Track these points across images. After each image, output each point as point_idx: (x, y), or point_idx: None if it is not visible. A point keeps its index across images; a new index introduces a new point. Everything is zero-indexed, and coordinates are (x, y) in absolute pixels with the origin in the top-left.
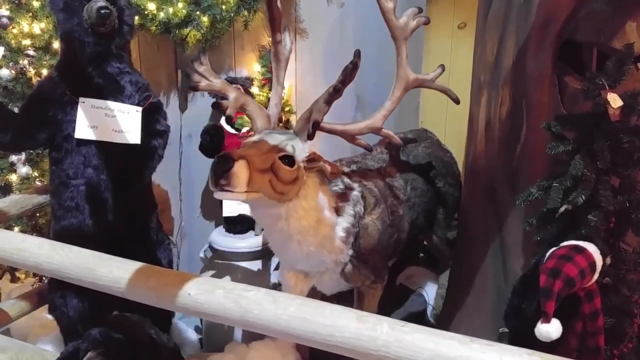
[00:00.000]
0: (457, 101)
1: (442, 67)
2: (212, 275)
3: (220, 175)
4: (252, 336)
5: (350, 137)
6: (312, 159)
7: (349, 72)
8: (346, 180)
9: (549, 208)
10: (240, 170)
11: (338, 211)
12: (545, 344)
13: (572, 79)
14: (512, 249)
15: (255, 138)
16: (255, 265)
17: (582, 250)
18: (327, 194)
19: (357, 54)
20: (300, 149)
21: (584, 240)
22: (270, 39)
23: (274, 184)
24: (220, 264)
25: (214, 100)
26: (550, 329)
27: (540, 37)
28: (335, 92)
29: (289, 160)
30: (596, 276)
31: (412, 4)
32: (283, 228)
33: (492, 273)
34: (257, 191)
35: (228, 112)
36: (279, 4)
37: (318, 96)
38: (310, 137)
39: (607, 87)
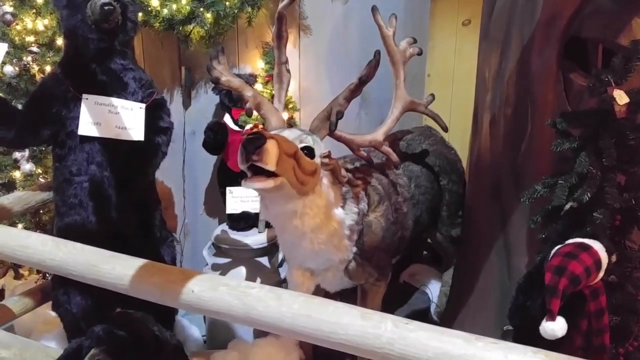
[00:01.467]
0: (445, 129)
1: (432, 96)
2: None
3: (252, 151)
4: (262, 332)
5: (355, 147)
6: (328, 156)
7: (372, 68)
8: (350, 177)
9: (554, 205)
10: (272, 147)
11: (343, 209)
12: (550, 342)
13: (577, 76)
14: (517, 247)
15: (274, 132)
16: (259, 262)
17: (587, 247)
18: (338, 193)
19: (378, 53)
20: (319, 144)
21: (590, 237)
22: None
23: (296, 171)
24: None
25: (219, 97)
26: (555, 327)
27: (546, 34)
28: (357, 88)
29: (310, 151)
30: (601, 274)
31: (417, 1)
32: (297, 225)
33: (496, 271)
34: (282, 175)
35: (248, 105)
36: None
37: (322, 93)
38: (333, 126)
39: (613, 84)
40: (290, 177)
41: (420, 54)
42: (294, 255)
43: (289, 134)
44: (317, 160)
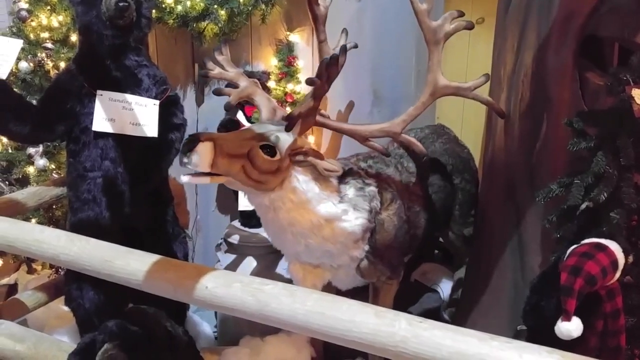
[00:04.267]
0: (502, 115)
1: (487, 76)
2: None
3: (185, 152)
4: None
5: (361, 139)
6: (300, 152)
7: (324, 66)
8: (364, 175)
9: (569, 205)
10: (203, 150)
11: (356, 207)
12: (565, 342)
13: (593, 75)
14: (531, 246)
15: (251, 125)
16: (271, 258)
17: (604, 248)
18: (327, 188)
19: (343, 49)
20: (285, 141)
21: (606, 238)
22: (288, 33)
23: (248, 170)
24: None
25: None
26: (570, 327)
27: (562, 32)
28: (314, 87)
29: (270, 150)
30: (618, 275)
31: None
32: (273, 218)
33: (509, 270)
34: (223, 174)
35: (231, 99)
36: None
37: (334, 90)
38: (287, 128)
39: (631, 83)
40: (238, 175)
41: (470, 28)
42: (283, 248)
43: (258, 128)
44: (278, 157)
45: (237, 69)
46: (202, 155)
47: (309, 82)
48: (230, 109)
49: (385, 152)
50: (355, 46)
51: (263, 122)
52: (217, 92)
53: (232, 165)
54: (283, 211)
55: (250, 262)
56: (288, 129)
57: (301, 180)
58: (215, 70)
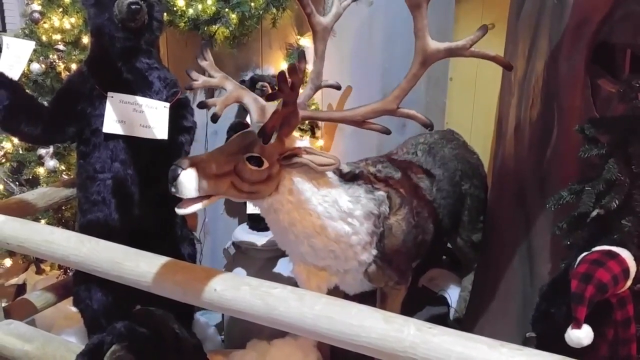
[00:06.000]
0: (509, 67)
1: (484, 28)
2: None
3: (170, 183)
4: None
5: (357, 123)
6: (290, 155)
7: (281, 77)
8: (373, 180)
9: (580, 212)
10: (186, 178)
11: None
12: (575, 350)
13: (605, 82)
14: (540, 253)
15: (236, 135)
16: (279, 262)
17: (615, 255)
18: (324, 185)
19: (301, 54)
20: (272, 148)
21: (617, 245)
22: (298, 37)
23: (238, 185)
24: (244, 260)
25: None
26: (581, 335)
27: (575, 38)
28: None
29: (257, 160)
30: (629, 283)
31: (441, 4)
32: (275, 220)
33: (518, 277)
34: (213, 194)
35: (216, 110)
36: None
37: (345, 95)
38: (264, 141)
39: None
40: (229, 192)
41: None
42: (287, 248)
43: (242, 139)
44: (267, 165)
45: (221, 73)
46: (186, 182)
47: (269, 98)
48: (217, 120)
49: (385, 131)
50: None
51: (253, 124)
52: (202, 105)
53: (219, 185)
54: (283, 212)
55: (257, 265)
56: (265, 142)
57: (296, 182)
58: (200, 80)
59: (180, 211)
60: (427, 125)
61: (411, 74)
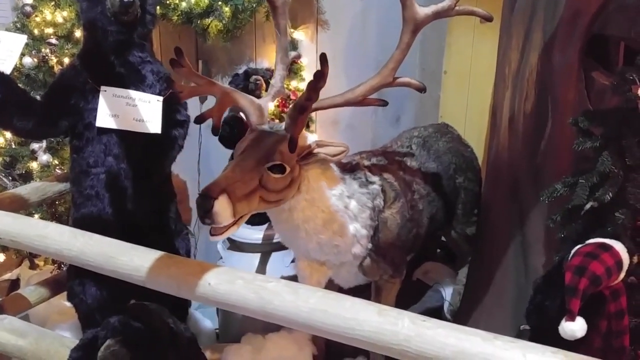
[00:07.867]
0: (490, 19)
1: None
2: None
3: (204, 215)
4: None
5: (358, 103)
6: (307, 153)
7: (313, 86)
8: (367, 173)
9: (574, 205)
10: (220, 207)
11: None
12: (569, 342)
13: (599, 75)
14: (534, 246)
15: (243, 146)
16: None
17: (608, 248)
18: (332, 180)
19: (323, 58)
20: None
21: (611, 238)
22: (292, 30)
23: (265, 197)
24: (238, 254)
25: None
26: (574, 327)
27: (568, 31)
28: (302, 111)
29: (279, 167)
30: (622, 275)
31: None
32: (287, 218)
33: (512, 270)
34: (248, 213)
35: (214, 123)
36: None
37: (339, 88)
38: (292, 150)
39: (637, 83)
40: (259, 206)
41: None
42: (294, 247)
43: (256, 152)
44: (289, 169)
45: (205, 79)
46: (222, 211)
47: (303, 109)
48: (217, 131)
49: (382, 103)
50: None
51: (258, 129)
52: (199, 121)
53: (251, 203)
54: (297, 210)
55: (252, 259)
56: (293, 151)
57: (311, 179)
58: (186, 91)
59: (215, 239)
60: (420, 90)
61: (403, 43)
